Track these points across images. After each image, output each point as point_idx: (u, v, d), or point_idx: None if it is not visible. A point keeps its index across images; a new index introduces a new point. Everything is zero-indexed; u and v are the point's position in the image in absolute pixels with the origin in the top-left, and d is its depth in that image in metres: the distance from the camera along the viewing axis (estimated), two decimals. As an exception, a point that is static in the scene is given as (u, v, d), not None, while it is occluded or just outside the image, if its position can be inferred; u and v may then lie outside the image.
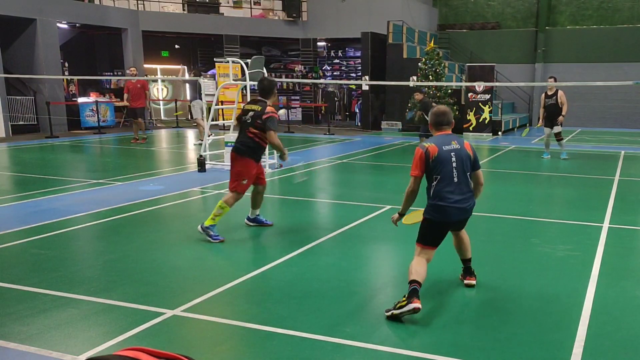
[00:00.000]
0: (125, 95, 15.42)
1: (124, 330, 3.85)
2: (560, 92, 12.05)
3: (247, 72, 10.27)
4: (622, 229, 6.66)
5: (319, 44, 23.40)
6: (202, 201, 8.32)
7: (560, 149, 12.52)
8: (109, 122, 19.67)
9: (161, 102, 24.09)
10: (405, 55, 19.61)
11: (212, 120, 11.38)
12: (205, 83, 13.20)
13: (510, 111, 22.53)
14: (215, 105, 11.60)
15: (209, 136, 11.33)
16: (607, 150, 14.60)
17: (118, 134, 18.01)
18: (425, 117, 13.27)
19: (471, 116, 18.08)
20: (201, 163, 10.52)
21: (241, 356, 3.60)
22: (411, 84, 15.47)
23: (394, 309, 4.08)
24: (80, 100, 19.41)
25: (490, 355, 3.56)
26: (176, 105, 22.09)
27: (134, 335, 3.78)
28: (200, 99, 14.34)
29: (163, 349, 1.30)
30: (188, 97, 23.31)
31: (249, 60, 10.56)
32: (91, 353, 3.52)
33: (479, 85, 17.69)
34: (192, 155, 12.94)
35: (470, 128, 18.06)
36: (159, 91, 24.06)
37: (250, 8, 23.09)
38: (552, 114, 12.09)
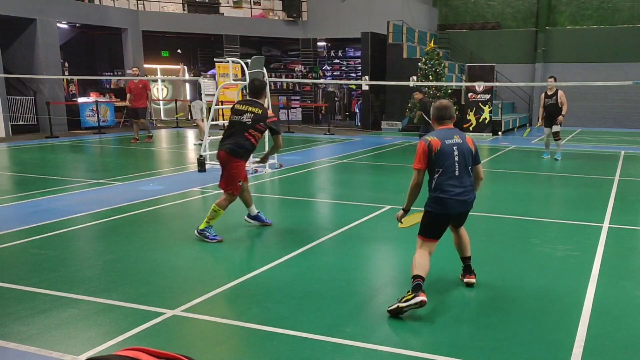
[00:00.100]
0: (128, 96, 15.44)
1: (124, 330, 3.85)
2: (560, 92, 12.04)
3: (247, 72, 10.27)
4: (622, 229, 6.66)
5: (319, 44, 23.40)
6: (202, 201, 8.31)
7: (555, 149, 12.50)
8: (109, 122, 19.66)
9: (161, 102, 24.09)
10: (405, 55, 19.61)
11: (212, 120, 11.38)
12: (205, 83, 13.19)
13: (510, 111, 22.54)
14: (215, 105, 11.60)
15: (209, 137, 11.33)
16: (607, 150, 14.60)
17: (118, 134, 18.01)
18: (425, 117, 13.28)
19: (471, 116, 18.08)
20: (201, 163, 10.52)
21: (241, 356, 3.60)
22: (411, 84, 15.47)
23: (400, 302, 4.12)
24: (80, 100, 19.41)
25: (490, 355, 3.56)
26: (176, 105, 22.09)
27: (134, 335, 3.78)
28: (200, 99, 14.35)
29: (163, 349, 1.30)
30: (188, 97, 23.34)
31: (249, 60, 10.56)
32: (91, 353, 3.52)
33: (479, 85, 17.69)
34: (192, 155, 12.95)
35: (470, 128, 18.05)
36: (159, 91, 24.06)
37: (250, 8, 23.09)
38: (552, 114, 12.08)
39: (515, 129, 20.56)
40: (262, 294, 4.59)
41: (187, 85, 21.87)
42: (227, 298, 4.53)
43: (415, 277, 4.19)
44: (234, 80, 11.47)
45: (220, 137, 6.23)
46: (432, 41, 19.45)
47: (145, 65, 21.12)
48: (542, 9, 22.77)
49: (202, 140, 12.33)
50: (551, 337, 3.81)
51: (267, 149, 6.17)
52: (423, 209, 4.52)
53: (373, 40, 19.66)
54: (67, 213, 7.20)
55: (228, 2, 23.02)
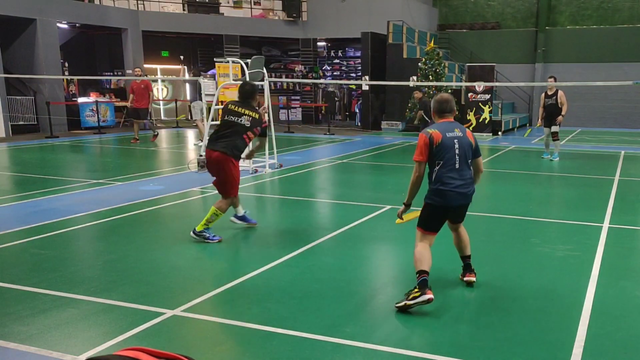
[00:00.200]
0: (130, 96, 15.46)
1: (124, 330, 3.85)
2: (560, 93, 12.03)
3: (247, 72, 10.27)
4: (622, 229, 6.66)
5: (319, 44, 23.40)
6: (202, 201, 8.31)
7: (553, 149, 12.48)
8: (109, 122, 19.67)
9: (161, 102, 24.09)
10: (405, 55, 19.61)
11: (212, 120, 11.38)
12: (205, 83, 13.18)
13: (510, 111, 22.54)
14: (215, 105, 11.60)
15: (208, 137, 11.32)
16: (607, 150, 14.60)
17: (118, 134, 18.01)
18: (425, 117, 13.29)
19: (471, 116, 18.09)
20: (201, 163, 10.51)
21: (241, 356, 3.60)
22: (411, 84, 15.48)
23: (407, 299, 4.16)
24: (80, 100, 19.42)
25: (490, 355, 3.56)
26: (176, 105, 22.08)
27: (134, 335, 3.78)
28: (201, 99, 14.35)
29: (163, 349, 1.30)
30: (188, 97, 23.34)
31: (249, 60, 10.55)
32: (91, 353, 3.52)
33: (479, 85, 17.69)
34: (192, 156, 12.94)
35: (470, 128, 18.01)
36: (159, 91, 24.06)
37: (251, 8, 23.09)
38: (552, 114, 12.08)
39: (515, 129, 20.56)
40: (262, 294, 4.59)
41: (187, 86, 21.88)
42: (227, 298, 4.53)
43: (421, 272, 4.24)
44: (234, 80, 11.47)
45: None
46: (432, 41, 19.46)
47: (145, 65, 21.12)
48: (542, 9, 22.77)
49: (202, 141, 12.33)
50: (551, 337, 3.81)
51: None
52: (421, 209, 4.53)
53: (373, 40, 19.66)
54: (67, 213, 7.20)
55: (228, 2, 23.02)
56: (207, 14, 21.69)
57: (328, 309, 4.25)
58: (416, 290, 4.19)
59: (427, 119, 12.82)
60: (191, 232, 5.96)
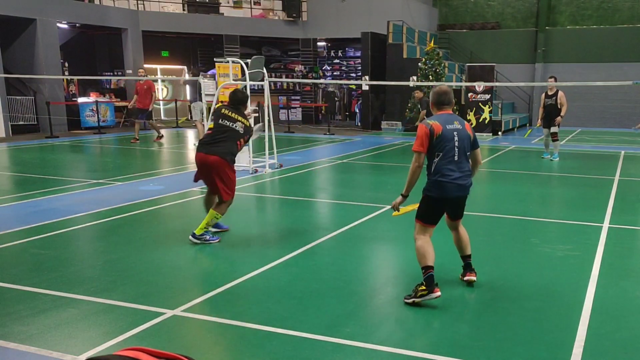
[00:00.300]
0: (135, 97, 15.53)
1: (124, 330, 3.85)
2: (560, 93, 12.02)
3: (247, 72, 10.27)
4: (622, 229, 6.66)
5: (319, 44, 23.39)
6: (202, 201, 8.31)
7: (553, 149, 12.47)
8: (109, 122, 19.66)
9: (161, 102, 24.08)
10: (405, 55, 19.61)
11: (212, 120, 11.36)
12: (205, 83, 13.18)
13: (510, 111, 22.54)
14: (215, 105, 11.59)
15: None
16: (607, 150, 14.60)
17: (118, 134, 18.01)
18: (426, 118, 13.28)
19: (471, 116, 18.08)
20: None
21: (241, 356, 3.60)
22: (411, 84, 15.48)
23: (415, 297, 4.25)
24: (80, 100, 19.41)
25: (490, 355, 3.56)
26: (176, 105, 22.07)
27: (134, 335, 3.78)
28: (201, 99, 14.35)
29: (163, 349, 1.30)
30: (188, 97, 23.31)
31: (249, 60, 10.55)
32: (91, 353, 3.52)
33: (479, 85, 17.69)
34: (192, 155, 12.93)
35: (470, 128, 18.03)
36: (159, 91, 24.06)
37: (251, 8, 23.09)
38: (551, 114, 12.06)
39: (515, 129, 20.56)
40: (262, 294, 4.59)
41: (187, 87, 21.89)
42: (227, 298, 4.53)
43: (426, 268, 4.28)
44: (234, 80, 11.47)
45: None
46: (432, 41, 19.46)
47: (145, 65, 21.11)
48: (542, 9, 22.77)
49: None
50: (551, 337, 3.81)
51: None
52: (419, 202, 4.54)
53: (373, 40, 19.66)
54: (67, 213, 7.20)
55: (228, 2, 23.02)
56: (207, 14, 21.69)
57: (328, 309, 4.25)
58: (423, 287, 4.24)
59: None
60: (190, 237, 5.91)
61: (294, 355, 3.53)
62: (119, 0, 20.51)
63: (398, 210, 4.72)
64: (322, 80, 22.79)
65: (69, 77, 19.70)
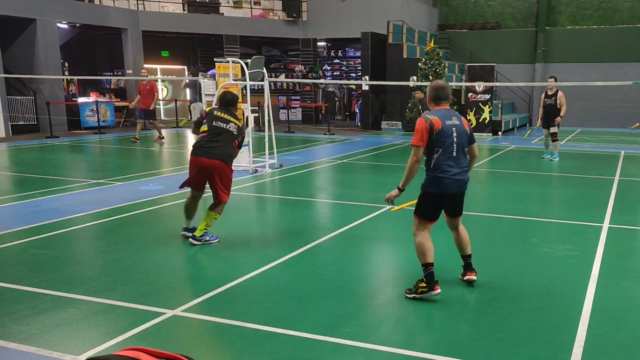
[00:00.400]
0: (138, 97, 15.57)
1: (124, 330, 3.85)
2: (560, 93, 12.01)
3: (247, 72, 10.27)
4: (622, 229, 6.66)
5: (319, 44, 23.39)
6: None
7: (553, 149, 12.46)
8: (109, 122, 19.66)
9: (161, 103, 24.08)
10: (405, 55, 19.61)
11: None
12: (205, 83, 13.18)
13: (510, 111, 22.54)
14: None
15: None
16: (607, 150, 14.60)
17: (118, 134, 18.01)
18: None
19: (471, 116, 18.08)
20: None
21: (241, 356, 3.60)
22: (411, 84, 15.47)
23: (416, 293, 4.32)
24: (80, 100, 19.41)
25: (490, 355, 3.56)
26: (176, 105, 22.07)
27: (134, 335, 3.78)
28: (200, 100, 14.36)
29: (163, 349, 1.30)
30: (188, 98, 23.31)
31: (249, 60, 10.55)
32: (91, 353, 3.52)
33: (479, 85, 17.69)
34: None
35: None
36: (158, 91, 24.06)
37: (251, 8, 23.09)
38: (550, 114, 12.05)
39: (515, 129, 20.56)
40: (262, 294, 4.59)
41: (187, 90, 21.91)
42: (227, 298, 4.53)
43: (427, 265, 4.31)
44: (234, 80, 11.47)
45: None
46: (432, 41, 19.45)
47: (146, 65, 21.12)
48: (542, 9, 22.77)
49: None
50: (551, 337, 3.81)
51: None
52: (422, 182, 4.54)
53: (373, 40, 19.66)
54: (67, 213, 7.20)
55: (228, 2, 23.02)
56: (207, 14, 21.69)
57: (328, 309, 4.25)
58: (423, 284, 4.29)
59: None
60: (191, 239, 5.89)
61: (294, 355, 3.53)
62: (119, 0, 20.51)
63: (392, 203, 4.70)
64: (322, 80, 22.79)
65: (69, 77, 19.70)
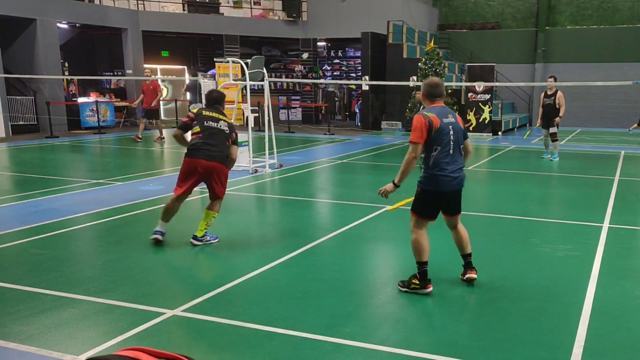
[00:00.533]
0: (140, 97, 15.63)
1: (124, 330, 3.85)
2: (559, 93, 11.99)
3: (247, 72, 10.27)
4: (622, 229, 6.66)
5: (319, 44, 23.39)
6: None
7: (553, 149, 12.46)
8: (109, 122, 19.67)
9: (161, 102, 24.07)
10: (405, 55, 19.61)
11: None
12: (205, 83, 13.20)
13: (510, 111, 22.54)
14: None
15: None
16: (607, 150, 14.60)
17: (118, 134, 18.01)
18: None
19: (471, 116, 18.09)
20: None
21: (241, 356, 3.59)
22: (411, 84, 15.47)
23: (408, 287, 4.42)
24: (80, 100, 19.42)
25: (490, 355, 3.56)
26: (176, 105, 22.07)
27: (134, 335, 3.78)
28: (200, 101, 14.37)
29: (163, 349, 1.30)
30: (188, 98, 23.33)
31: (249, 60, 10.56)
32: (91, 353, 3.52)
33: (479, 85, 17.69)
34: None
35: (470, 128, 18.05)
36: (162, 91, 24.07)
37: (251, 8, 23.09)
38: (549, 114, 12.04)
39: (515, 129, 20.56)
40: (262, 294, 4.59)
41: (188, 93, 21.95)
42: (227, 298, 4.53)
43: (422, 263, 4.36)
44: (234, 80, 11.47)
45: None
46: (432, 41, 19.45)
47: (145, 65, 21.14)
48: (542, 9, 22.77)
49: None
50: (551, 337, 3.81)
51: None
52: (419, 179, 4.55)
53: (373, 40, 19.66)
54: (67, 213, 7.20)
55: (228, 2, 23.02)
56: (207, 14, 21.69)
57: (328, 309, 4.25)
58: (416, 281, 4.35)
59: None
60: (192, 240, 5.88)
61: (294, 355, 3.53)
62: (119, 0, 20.51)
63: (386, 197, 4.68)
64: (322, 80, 22.79)
65: (69, 77, 19.71)
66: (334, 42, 23.72)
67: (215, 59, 12.91)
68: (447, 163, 4.37)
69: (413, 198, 4.62)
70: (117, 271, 5.08)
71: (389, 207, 4.83)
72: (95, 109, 18.77)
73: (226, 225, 6.52)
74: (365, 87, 19.85)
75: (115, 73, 21.92)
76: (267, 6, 23.61)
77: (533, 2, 23.25)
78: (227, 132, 5.90)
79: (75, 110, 18.74)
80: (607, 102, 22.07)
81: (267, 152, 10.75)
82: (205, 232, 5.92)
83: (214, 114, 5.92)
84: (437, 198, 4.48)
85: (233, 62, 11.33)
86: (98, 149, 15.02)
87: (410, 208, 4.63)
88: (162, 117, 23.64)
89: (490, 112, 18.08)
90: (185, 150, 5.92)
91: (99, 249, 5.96)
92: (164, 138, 15.93)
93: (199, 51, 24.21)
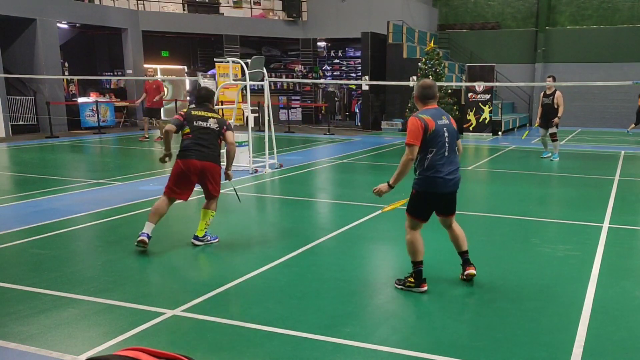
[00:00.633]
0: (143, 95, 15.66)
1: (124, 330, 3.85)
2: (557, 93, 11.96)
3: (247, 72, 10.27)
4: (622, 229, 6.66)
5: (319, 44, 23.39)
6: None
7: (552, 149, 12.45)
8: (109, 122, 19.67)
9: (163, 101, 24.09)
10: (405, 55, 19.62)
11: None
12: (205, 83, 13.21)
13: (510, 111, 22.54)
14: (215, 105, 11.60)
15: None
16: (607, 150, 14.60)
17: (118, 134, 18.01)
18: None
19: (471, 116, 18.09)
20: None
21: (241, 356, 3.60)
22: (411, 84, 15.46)
23: (403, 285, 4.49)
24: (80, 100, 19.42)
25: (490, 355, 3.56)
26: (176, 105, 22.06)
27: (134, 335, 3.78)
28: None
29: (163, 349, 1.31)
30: (188, 98, 23.32)
31: (249, 60, 10.56)
32: (91, 353, 3.52)
33: (479, 85, 17.69)
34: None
35: (470, 128, 18.06)
36: (164, 90, 24.07)
37: (251, 8, 23.09)
38: (547, 114, 12.01)
39: (515, 129, 20.56)
40: (262, 294, 4.59)
41: (189, 98, 21.95)
42: (227, 298, 4.53)
43: (418, 263, 4.40)
44: (234, 80, 11.47)
45: None
46: (432, 41, 19.46)
47: (145, 65, 21.14)
48: (542, 9, 22.77)
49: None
50: (551, 337, 3.81)
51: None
52: (414, 181, 4.54)
53: (373, 40, 19.66)
54: (67, 213, 7.20)
55: (228, 2, 23.02)
56: (207, 14, 21.69)
57: (328, 309, 4.25)
58: (412, 280, 4.41)
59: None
60: (193, 240, 5.88)
61: (294, 355, 3.53)
62: (119, 0, 20.51)
63: (380, 197, 4.68)
64: (322, 80, 22.79)
65: (69, 77, 19.71)
66: (334, 42, 23.72)
67: (215, 59, 12.91)
68: (443, 165, 4.37)
69: (408, 199, 4.63)
70: (117, 271, 5.08)
71: (384, 208, 4.83)
72: (95, 109, 18.77)
73: (226, 225, 6.52)
74: (365, 87, 19.85)
75: (115, 73, 21.93)
76: (267, 6, 23.61)
77: (533, 2, 23.25)
78: (217, 129, 5.85)
79: (75, 110, 18.74)
80: (607, 102, 22.07)
81: (267, 152, 10.75)
82: (206, 232, 5.92)
83: (203, 113, 5.89)
84: (432, 200, 4.48)
85: (233, 62, 11.32)
86: (98, 149, 15.02)
87: (405, 209, 4.65)
88: (162, 116, 23.75)
89: (490, 112, 18.08)
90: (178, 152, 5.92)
91: (98, 249, 5.96)
92: (148, 137, 15.92)
93: (199, 51, 24.21)
